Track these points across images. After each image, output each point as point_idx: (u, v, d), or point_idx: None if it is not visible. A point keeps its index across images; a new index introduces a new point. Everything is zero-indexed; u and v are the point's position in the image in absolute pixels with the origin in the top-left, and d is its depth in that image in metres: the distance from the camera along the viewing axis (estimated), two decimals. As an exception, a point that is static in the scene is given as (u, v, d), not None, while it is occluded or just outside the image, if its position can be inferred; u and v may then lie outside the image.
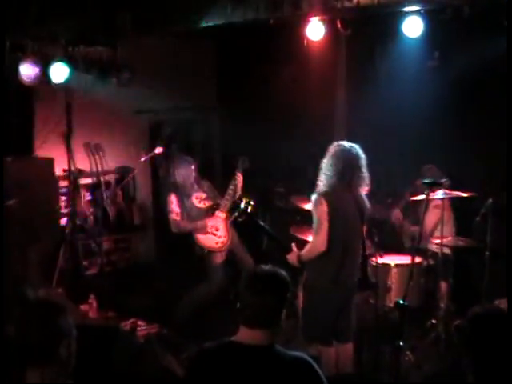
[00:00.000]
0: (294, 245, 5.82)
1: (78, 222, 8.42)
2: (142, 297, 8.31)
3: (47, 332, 2.85)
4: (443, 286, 6.89)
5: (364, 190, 5.67)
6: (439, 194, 6.43)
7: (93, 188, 9.00)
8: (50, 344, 2.85)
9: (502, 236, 6.67)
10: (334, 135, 8.26)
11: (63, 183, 8.60)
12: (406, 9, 6.46)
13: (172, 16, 7.12)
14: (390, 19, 6.91)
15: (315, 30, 7.05)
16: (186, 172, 7.30)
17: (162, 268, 9.29)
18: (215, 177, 9.90)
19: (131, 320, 6.85)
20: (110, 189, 8.84)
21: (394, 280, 6.81)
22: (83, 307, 7.19)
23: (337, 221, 5.45)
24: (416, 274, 6.55)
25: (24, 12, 6.87)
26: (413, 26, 6.63)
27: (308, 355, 3.20)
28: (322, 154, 5.66)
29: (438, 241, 6.68)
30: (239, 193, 7.45)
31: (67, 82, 7.60)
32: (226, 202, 7.36)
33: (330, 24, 7.02)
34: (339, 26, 6.97)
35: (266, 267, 3.22)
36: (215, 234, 7.27)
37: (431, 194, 5.87)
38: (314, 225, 5.52)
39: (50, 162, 8.31)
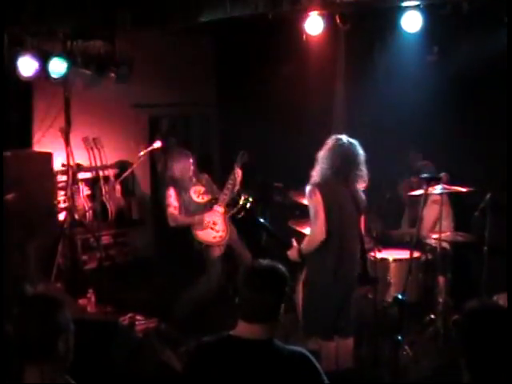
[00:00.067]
0: (293, 240, 5.82)
1: (76, 217, 8.42)
2: (140, 291, 8.31)
3: (45, 327, 2.85)
4: (442, 280, 6.89)
5: (361, 187, 5.67)
6: (437, 189, 6.42)
7: (92, 183, 9.00)
8: (49, 339, 2.85)
9: (501, 231, 6.67)
10: (333, 129, 8.26)
11: (62, 178, 8.60)
12: (405, 3, 6.47)
13: (171, 11, 7.11)
14: (389, 14, 6.92)
15: (314, 24, 7.05)
16: (183, 166, 7.28)
17: (161, 262, 9.29)
18: (214, 171, 9.90)
19: (130, 315, 6.86)
20: (109, 183, 8.83)
21: (392, 275, 6.82)
22: (82, 302, 7.21)
23: (332, 212, 5.44)
24: (415, 269, 6.55)
25: (23, 7, 6.86)
26: (412, 21, 6.63)
27: (307, 350, 3.20)
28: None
29: (436, 236, 6.68)
30: (238, 187, 7.44)
31: (66, 76, 7.60)
32: (224, 197, 7.35)
33: (329, 19, 7.03)
34: (338, 20, 6.98)
35: (265, 262, 3.22)
36: (213, 229, 7.26)
37: (429, 189, 5.88)
38: (311, 215, 5.52)
39: (48, 157, 8.30)
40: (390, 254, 6.97)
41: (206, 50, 10.57)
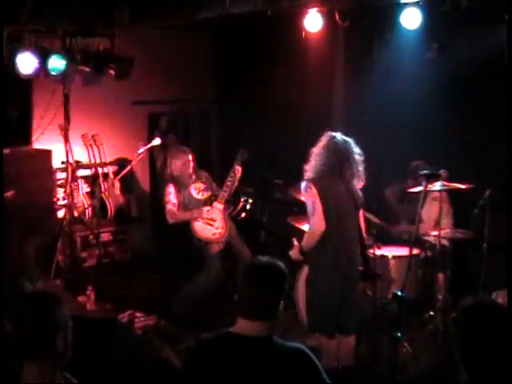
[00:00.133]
0: (294, 240, 5.83)
1: (75, 214, 8.42)
2: (139, 288, 8.33)
3: (43, 324, 2.85)
4: (441, 277, 6.89)
5: (358, 184, 5.68)
6: (437, 185, 6.42)
7: (91, 180, 8.99)
8: (47, 336, 2.85)
9: (500, 228, 6.66)
10: (332, 126, 8.25)
11: (61, 175, 8.59)
12: (405, 0, 6.46)
13: (170, 8, 7.11)
14: (388, 11, 6.91)
15: (313, 21, 7.05)
16: (183, 163, 7.27)
17: (160, 260, 9.30)
18: (213, 168, 9.92)
19: (129, 312, 6.86)
20: (108, 180, 8.83)
21: (391, 272, 6.82)
22: (81, 299, 7.20)
23: (329, 207, 5.48)
24: (414, 266, 6.55)
25: (22, 4, 6.86)
26: (411, 18, 6.63)
27: (306, 346, 3.20)
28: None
29: (435, 232, 6.69)
30: (236, 184, 7.44)
31: (65, 73, 7.60)
32: (224, 194, 7.35)
33: (328, 15, 7.03)
34: (337, 17, 6.99)
35: (264, 259, 3.22)
36: (212, 225, 7.26)
37: (429, 186, 5.88)
38: (308, 209, 5.54)
39: (47, 154, 8.30)
40: (390, 251, 6.97)
41: (206, 47, 10.55)
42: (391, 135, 8.02)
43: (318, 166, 5.55)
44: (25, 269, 7.44)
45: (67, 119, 8.24)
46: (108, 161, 9.01)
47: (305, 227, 6.36)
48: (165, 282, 8.51)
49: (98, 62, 7.93)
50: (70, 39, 7.69)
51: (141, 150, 7.93)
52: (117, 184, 8.89)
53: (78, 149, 8.64)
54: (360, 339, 6.16)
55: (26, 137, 8.46)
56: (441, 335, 6.53)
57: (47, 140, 8.52)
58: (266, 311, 3.12)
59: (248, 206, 7.95)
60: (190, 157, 7.33)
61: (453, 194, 7.09)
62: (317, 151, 5.61)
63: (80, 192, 8.67)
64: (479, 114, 7.64)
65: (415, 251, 6.67)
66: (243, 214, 7.95)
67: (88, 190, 8.90)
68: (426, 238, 7.01)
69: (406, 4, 6.52)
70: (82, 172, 8.86)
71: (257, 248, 7.49)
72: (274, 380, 3.05)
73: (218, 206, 7.32)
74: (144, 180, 9.96)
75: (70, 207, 8.34)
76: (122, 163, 9.03)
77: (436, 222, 6.81)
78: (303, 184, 5.57)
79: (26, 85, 8.20)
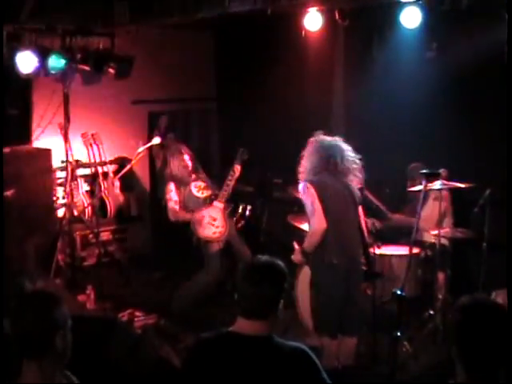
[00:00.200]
0: (295, 243, 5.84)
1: (75, 213, 8.42)
2: (139, 287, 8.33)
3: (42, 323, 2.84)
4: (441, 276, 6.89)
5: (356, 182, 5.69)
6: (437, 184, 6.42)
7: (91, 179, 8.99)
8: (46, 335, 2.85)
9: (500, 227, 6.66)
10: (332, 125, 8.27)
11: (61, 174, 8.60)
12: (404, -1, 6.46)
13: (170, 6, 7.10)
14: (388, 10, 6.91)
15: (313, 20, 7.06)
16: (182, 161, 7.28)
17: (160, 258, 9.29)
18: (213, 167, 9.91)
19: (129, 311, 6.87)
20: (108, 180, 8.83)
21: (391, 271, 6.82)
22: (81, 298, 7.22)
23: (328, 204, 5.49)
24: (414, 265, 6.56)
25: (22, 3, 6.86)
26: (411, 17, 6.63)
27: (306, 346, 3.20)
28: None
29: (435, 232, 6.68)
30: (233, 183, 7.42)
31: (65, 72, 7.60)
32: (224, 193, 7.34)
33: (328, 14, 7.03)
34: (337, 16, 6.98)
35: (263, 258, 3.21)
36: (213, 224, 7.26)
37: (429, 185, 5.87)
38: (308, 209, 5.56)
39: (47, 153, 8.30)
40: (390, 250, 6.97)
41: (206, 46, 10.55)
42: (390, 134, 8.02)
43: (312, 167, 5.59)
44: (25, 268, 7.44)
45: (67, 118, 8.24)
46: (108, 160, 9.01)
47: (304, 226, 6.37)
48: (164, 281, 8.50)
49: (97, 61, 7.93)
50: (69, 38, 7.70)
51: (140, 149, 7.93)
52: (116, 183, 8.89)
53: (77, 148, 8.64)
54: (359, 338, 6.16)
55: (25, 136, 8.46)
56: (441, 334, 6.52)
57: (47, 139, 8.53)
58: (266, 310, 3.12)
59: (247, 213, 7.98)
60: (189, 155, 7.33)
61: (453, 193, 7.09)
62: (307, 153, 5.66)
63: (80, 191, 8.67)
64: (479, 114, 7.64)
65: (415, 250, 6.67)
66: (242, 222, 7.97)
67: (88, 189, 8.90)
68: (426, 238, 7.02)
69: (405, 3, 6.52)
70: (81, 171, 8.87)
71: (256, 247, 7.48)
72: (274, 379, 3.05)
73: (218, 205, 7.32)
74: (144, 179, 9.96)
75: (69, 206, 8.34)
76: (121, 162, 9.04)
77: (438, 222, 6.79)
78: (301, 185, 5.60)
79: (26, 84, 8.20)
